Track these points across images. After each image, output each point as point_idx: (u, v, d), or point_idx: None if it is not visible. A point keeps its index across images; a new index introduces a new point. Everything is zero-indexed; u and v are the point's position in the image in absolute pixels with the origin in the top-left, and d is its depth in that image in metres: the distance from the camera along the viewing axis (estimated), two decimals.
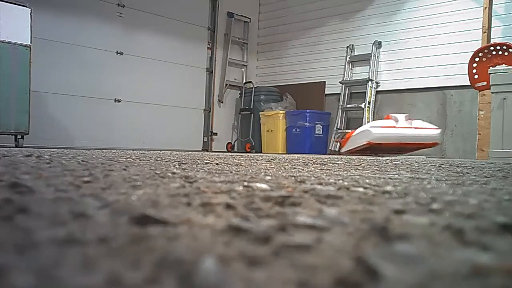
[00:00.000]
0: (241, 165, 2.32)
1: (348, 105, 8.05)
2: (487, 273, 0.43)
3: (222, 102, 9.17)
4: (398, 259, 0.48)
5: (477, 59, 5.98)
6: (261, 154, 5.65)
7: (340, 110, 8.05)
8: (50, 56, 6.88)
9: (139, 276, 0.40)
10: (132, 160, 2.40)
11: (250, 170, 1.86)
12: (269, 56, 9.45)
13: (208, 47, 9.02)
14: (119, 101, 7.74)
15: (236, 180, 1.32)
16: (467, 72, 6.05)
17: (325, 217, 0.71)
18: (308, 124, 7.97)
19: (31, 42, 5.64)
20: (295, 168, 2.19)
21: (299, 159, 3.70)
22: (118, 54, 7.71)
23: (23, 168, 1.60)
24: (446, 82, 7.05)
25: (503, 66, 5.50)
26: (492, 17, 6.57)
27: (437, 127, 6.38)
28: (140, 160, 2.43)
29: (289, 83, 8.97)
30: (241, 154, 5.48)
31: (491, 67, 5.49)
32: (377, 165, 2.74)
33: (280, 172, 1.78)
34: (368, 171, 2.06)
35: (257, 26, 9.64)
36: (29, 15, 5.60)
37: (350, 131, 7.94)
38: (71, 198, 0.85)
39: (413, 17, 7.46)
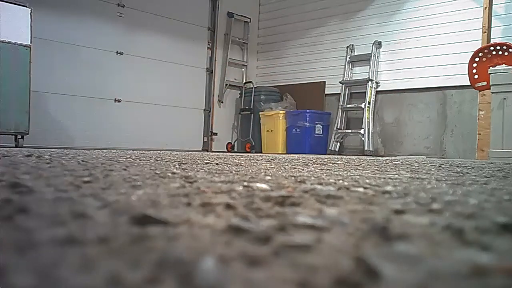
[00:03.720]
0: (241, 165, 2.32)
1: (348, 105, 8.05)
2: (487, 273, 0.43)
3: (222, 102, 9.17)
4: (398, 259, 0.48)
5: (477, 59, 5.97)
6: (261, 154, 5.65)
7: (340, 110, 8.05)
8: (50, 56, 6.88)
9: (139, 276, 0.40)
10: (132, 160, 2.40)
11: (250, 170, 1.86)
12: (269, 56, 9.45)
13: (208, 47, 9.01)
14: (119, 101, 7.74)
15: (236, 180, 1.32)
16: (467, 72, 6.05)
17: (325, 217, 0.71)
18: (308, 124, 7.96)
19: (31, 42, 5.64)
20: (295, 168, 2.19)
21: (299, 159, 3.70)
22: (118, 54, 7.71)
23: (23, 168, 1.60)
24: (446, 82, 7.05)
25: (503, 66, 5.50)
26: (492, 17, 6.57)
27: None
28: (140, 160, 2.43)
29: (289, 83, 8.96)
30: (241, 154, 5.48)
31: (491, 67, 5.49)
32: (377, 165, 2.74)
33: (280, 172, 1.78)
34: (368, 171, 2.06)
35: (257, 26, 9.63)
36: (29, 15, 5.60)
37: (350, 131, 7.97)
38: (71, 198, 0.85)
39: (413, 17, 7.46)
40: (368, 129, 7.63)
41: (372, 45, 7.79)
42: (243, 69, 9.48)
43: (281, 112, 8.25)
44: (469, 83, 6.10)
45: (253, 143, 8.69)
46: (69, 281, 0.38)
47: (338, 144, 8.07)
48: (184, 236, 0.56)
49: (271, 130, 8.36)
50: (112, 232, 0.57)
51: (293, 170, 1.96)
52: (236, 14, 9.11)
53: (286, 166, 2.31)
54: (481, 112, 6.53)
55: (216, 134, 9.01)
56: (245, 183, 1.21)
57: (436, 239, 0.58)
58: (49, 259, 0.44)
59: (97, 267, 0.42)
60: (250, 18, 9.40)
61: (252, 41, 9.53)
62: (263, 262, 0.46)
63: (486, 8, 6.55)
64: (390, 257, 0.48)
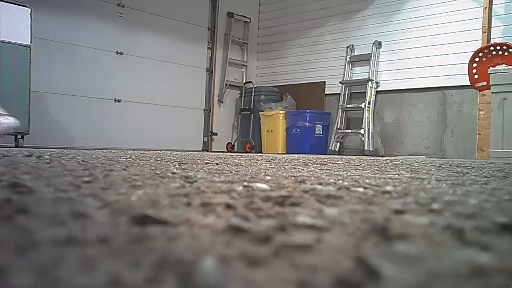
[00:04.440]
0: (241, 165, 2.32)
1: (348, 105, 8.05)
2: (487, 273, 0.43)
3: (222, 102, 9.17)
4: (398, 259, 0.48)
5: (477, 59, 5.97)
6: (261, 154, 5.65)
7: (340, 110, 8.05)
8: (50, 56, 6.88)
9: (139, 276, 0.40)
10: (132, 160, 2.40)
11: (250, 170, 1.86)
12: (269, 56, 9.45)
13: (208, 47, 9.01)
14: (119, 101, 7.74)
15: (236, 180, 1.32)
16: (467, 72, 6.05)
17: (325, 217, 0.71)
18: (308, 124, 7.96)
19: (31, 42, 5.65)
20: (295, 168, 2.19)
21: (299, 159, 3.70)
22: (118, 54, 7.71)
23: (23, 168, 1.60)
24: (446, 82, 7.05)
25: (503, 66, 5.49)
26: (492, 17, 6.57)
27: None
28: (140, 160, 2.43)
29: (289, 83, 8.96)
30: (241, 154, 5.48)
31: (491, 67, 5.49)
32: (377, 165, 2.74)
33: (280, 172, 1.78)
34: (368, 171, 2.06)
35: (257, 26, 9.63)
36: (29, 15, 5.60)
37: (350, 131, 7.96)
38: (71, 198, 0.85)
39: (413, 17, 7.46)
40: (368, 129, 7.63)
41: (372, 45, 7.79)
42: (243, 69, 9.48)
43: (281, 112, 8.25)
44: (469, 83, 6.10)
45: (253, 143, 8.69)
46: (69, 281, 0.38)
47: (338, 144, 8.07)
48: (184, 236, 0.56)
49: (271, 130, 8.36)
50: (112, 232, 0.57)
51: (293, 170, 1.96)
52: (236, 14, 9.11)
53: (286, 166, 2.31)
54: (481, 112, 6.53)
55: (216, 134, 9.01)
56: (245, 183, 1.21)
57: (436, 239, 0.58)
58: (49, 259, 0.44)
59: (97, 267, 0.42)
60: (250, 18, 9.40)
61: (252, 41, 9.53)
62: (263, 262, 0.46)
63: (486, 8, 6.55)
64: (390, 257, 0.48)
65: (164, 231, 0.58)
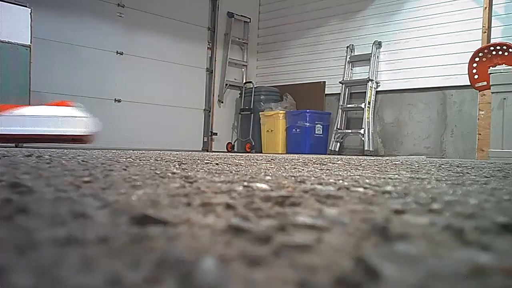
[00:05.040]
0: (241, 165, 2.32)
1: (348, 105, 8.05)
2: (487, 273, 0.43)
3: (222, 102, 9.17)
4: (398, 259, 0.48)
5: (477, 59, 5.97)
6: (261, 154, 5.65)
7: (340, 110, 8.05)
8: (50, 56, 6.88)
9: (139, 276, 0.40)
10: (132, 160, 2.40)
11: (250, 170, 1.86)
12: (269, 56, 9.45)
13: (208, 47, 9.01)
14: (119, 101, 7.74)
15: (236, 180, 1.32)
16: (467, 72, 6.05)
17: (325, 217, 0.71)
18: (308, 124, 7.96)
19: (31, 42, 5.65)
20: (295, 168, 2.19)
21: (299, 159, 3.70)
22: (118, 54, 7.71)
23: (23, 168, 1.60)
24: (446, 82, 7.05)
25: (503, 66, 5.49)
26: (492, 17, 6.57)
27: None
28: (140, 160, 2.43)
29: (289, 83, 8.97)
30: (241, 154, 5.48)
31: (491, 67, 5.49)
32: (377, 165, 2.74)
33: (280, 172, 1.78)
34: (368, 171, 2.06)
35: (257, 26, 9.64)
36: (29, 15, 5.60)
37: (350, 131, 7.96)
38: (71, 198, 0.85)
39: (413, 17, 7.46)
40: (368, 129, 7.63)
41: (372, 45, 7.79)
42: (243, 69, 9.48)
43: (281, 112, 8.25)
44: (469, 83, 6.10)
45: (253, 143, 8.69)
46: (69, 281, 0.38)
47: (338, 144, 8.07)
48: (184, 236, 0.56)
49: (271, 130, 8.36)
50: (112, 232, 0.57)
51: (293, 170, 1.96)
52: (236, 14, 9.11)
53: (286, 166, 2.31)
54: (481, 112, 6.53)
55: (216, 134, 9.01)
56: (245, 183, 1.21)
57: (436, 239, 0.58)
58: (49, 259, 0.44)
59: (97, 267, 0.42)
60: (250, 18, 9.40)
61: (252, 41, 9.53)
62: (263, 262, 0.46)
63: (486, 8, 6.55)
64: (390, 257, 0.48)
65: (164, 231, 0.58)
